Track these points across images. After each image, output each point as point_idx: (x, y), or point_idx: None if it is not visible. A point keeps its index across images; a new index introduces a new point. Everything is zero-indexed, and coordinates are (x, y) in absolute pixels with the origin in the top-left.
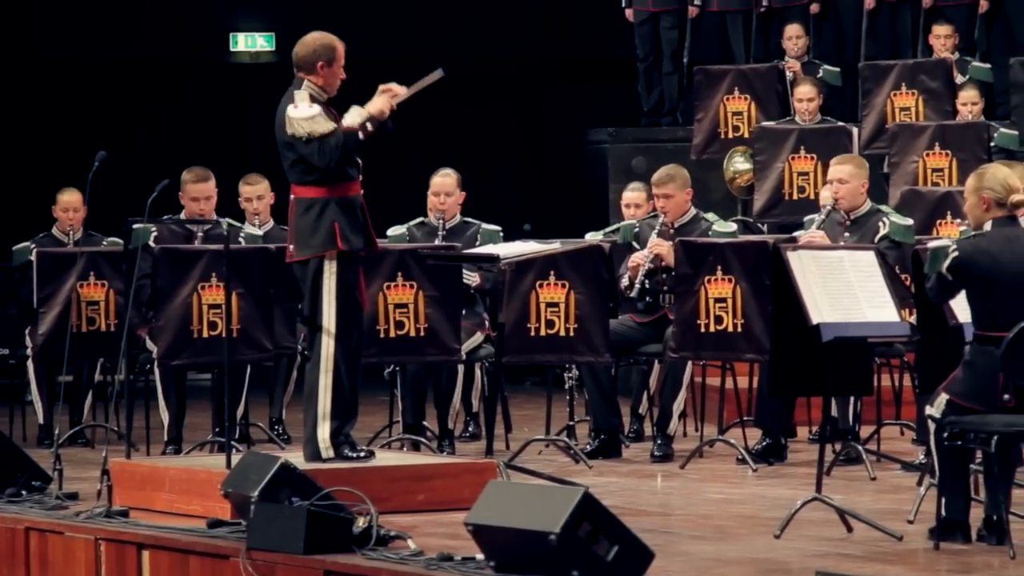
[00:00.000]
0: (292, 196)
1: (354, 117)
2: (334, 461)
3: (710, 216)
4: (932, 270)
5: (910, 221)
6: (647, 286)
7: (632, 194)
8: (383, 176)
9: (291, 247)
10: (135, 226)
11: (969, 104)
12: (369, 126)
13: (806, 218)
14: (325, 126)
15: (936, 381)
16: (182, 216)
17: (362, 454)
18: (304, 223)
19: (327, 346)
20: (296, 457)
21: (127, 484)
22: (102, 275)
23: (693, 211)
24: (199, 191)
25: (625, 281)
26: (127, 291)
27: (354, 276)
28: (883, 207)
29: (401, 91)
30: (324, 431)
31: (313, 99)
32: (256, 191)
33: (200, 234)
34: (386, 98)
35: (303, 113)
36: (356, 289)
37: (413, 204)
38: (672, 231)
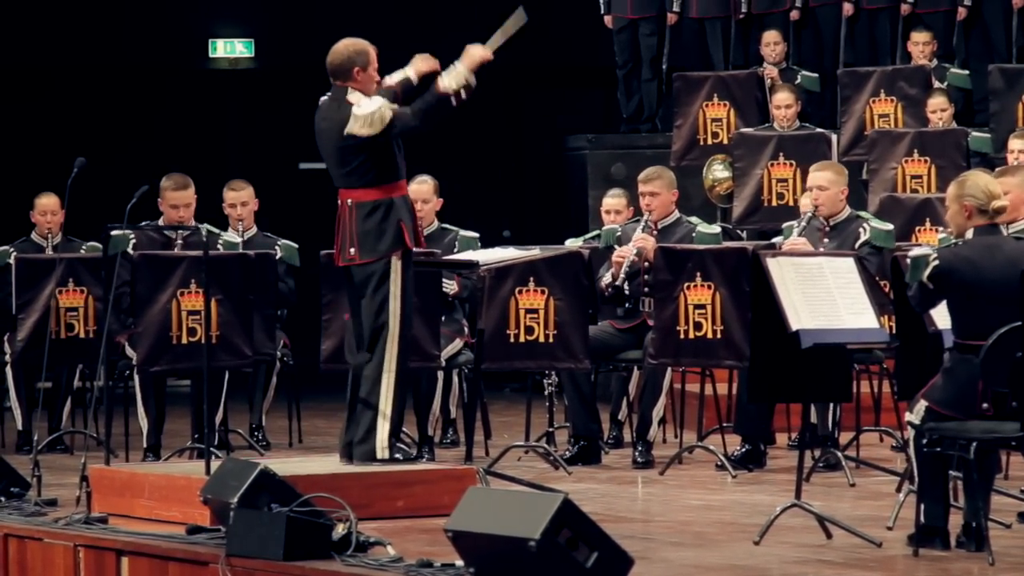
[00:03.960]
0: (348, 200)
1: (450, 81)
2: (388, 463)
3: (693, 219)
4: (913, 279)
5: (890, 226)
6: (627, 291)
7: (612, 200)
8: None
9: (352, 250)
10: (113, 232)
11: (938, 111)
12: (463, 93)
13: (784, 225)
14: (389, 111)
15: (915, 388)
16: (161, 222)
17: (411, 455)
18: (369, 225)
19: (391, 347)
20: (284, 463)
21: (106, 490)
22: (81, 281)
23: (677, 213)
24: (178, 198)
25: (608, 278)
26: (106, 297)
27: (412, 274)
28: (862, 213)
29: (488, 52)
30: (384, 432)
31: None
32: (240, 197)
33: (179, 240)
34: (476, 59)
35: (369, 107)
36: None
37: None
38: (656, 232)
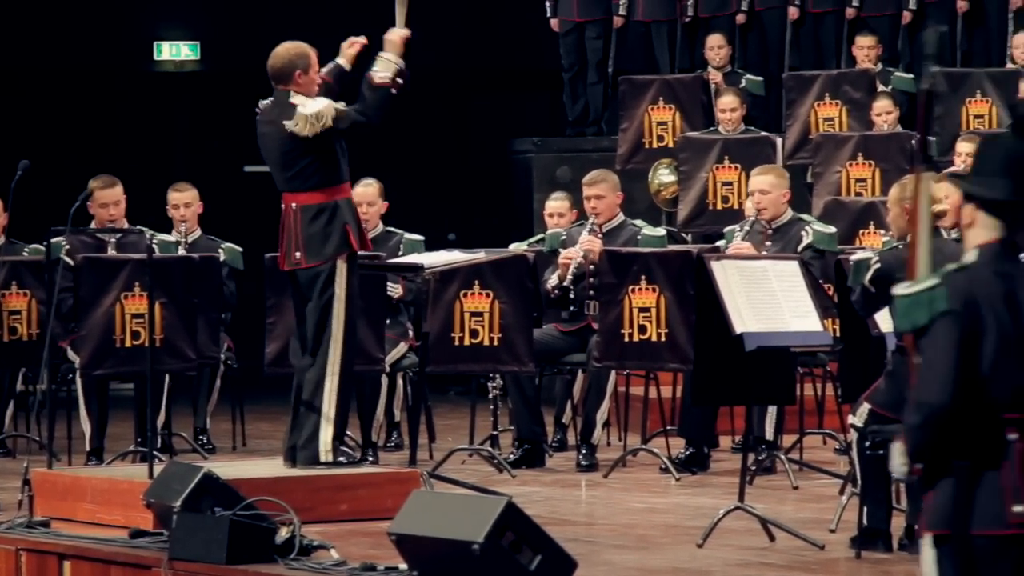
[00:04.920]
0: (293, 204)
1: (383, 70)
2: (332, 467)
3: (638, 222)
4: (856, 282)
5: (832, 229)
6: (572, 295)
7: (555, 203)
8: None
9: (297, 254)
10: (54, 238)
11: (884, 114)
12: (399, 79)
13: (726, 229)
14: (337, 108)
15: (859, 391)
16: (93, 225)
17: (355, 459)
18: (315, 229)
19: (335, 351)
20: (228, 467)
21: (48, 494)
22: (24, 284)
23: (622, 216)
24: (107, 196)
25: (554, 280)
26: (49, 300)
27: (358, 278)
28: (805, 216)
29: (402, 32)
30: (327, 435)
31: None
32: (184, 198)
33: (112, 242)
34: (397, 42)
35: (316, 106)
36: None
37: None
38: (601, 235)
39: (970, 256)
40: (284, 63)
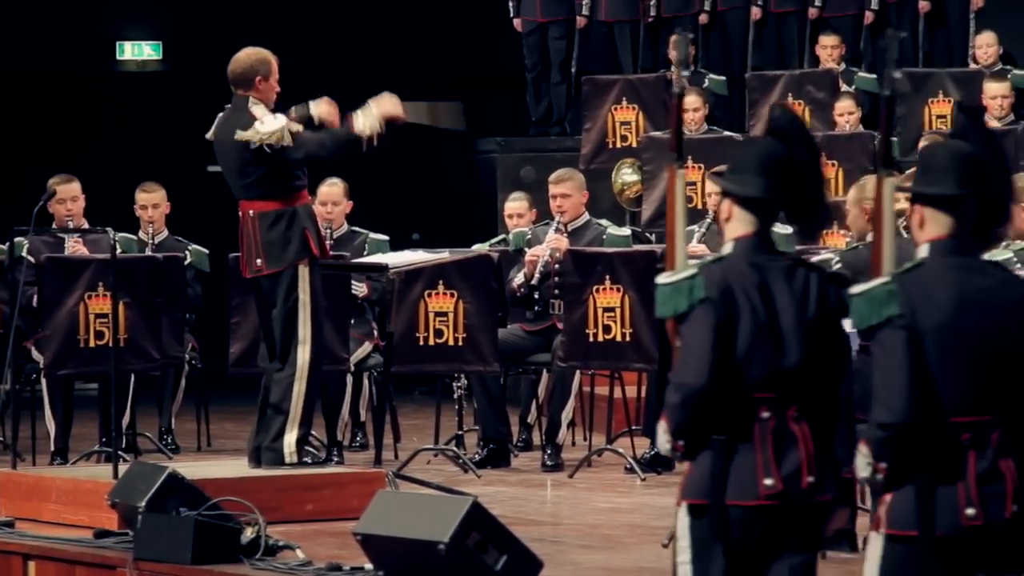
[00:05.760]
0: (250, 211)
1: (364, 125)
2: (296, 467)
3: (603, 222)
4: None
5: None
6: (536, 296)
7: (514, 204)
8: None
9: (258, 261)
10: (16, 238)
11: (846, 114)
12: (374, 140)
13: (687, 228)
14: (297, 126)
15: None
16: (53, 225)
17: (318, 459)
18: (274, 235)
19: (303, 354)
20: (193, 467)
21: (13, 494)
22: None
23: (587, 216)
24: (65, 191)
25: (520, 278)
26: (12, 300)
27: (320, 281)
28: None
29: (397, 111)
30: (292, 437)
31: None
32: (152, 199)
33: (72, 242)
34: (392, 113)
35: (273, 126)
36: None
37: None
38: (567, 234)
39: (727, 248)
40: (245, 68)
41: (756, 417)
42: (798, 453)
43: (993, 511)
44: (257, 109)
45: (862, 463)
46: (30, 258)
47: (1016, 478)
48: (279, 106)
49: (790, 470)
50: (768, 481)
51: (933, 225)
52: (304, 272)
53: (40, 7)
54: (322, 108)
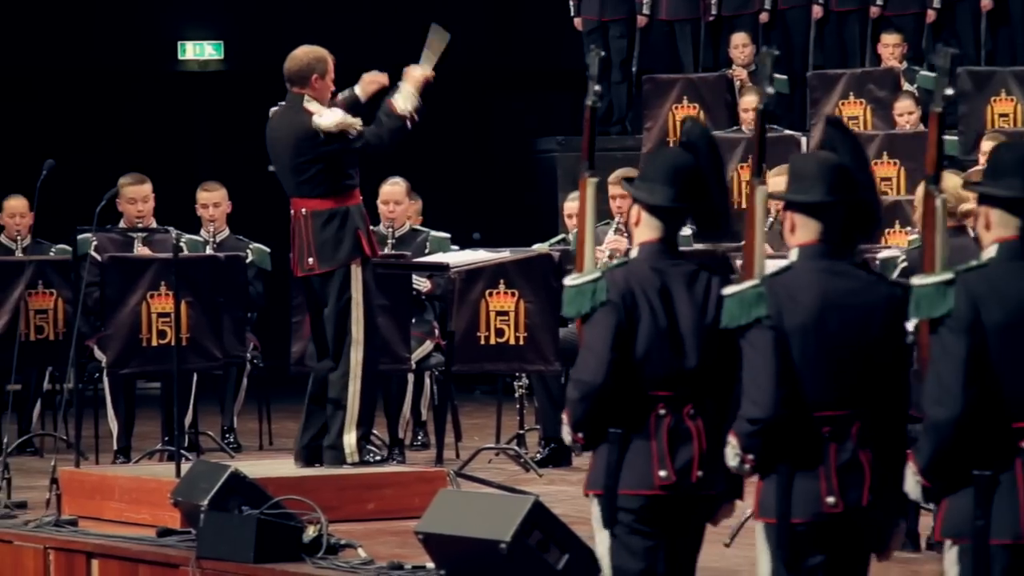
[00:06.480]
0: (303, 210)
1: (405, 102)
2: (358, 466)
3: None
4: None
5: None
6: None
7: (573, 203)
8: None
9: (310, 260)
10: (80, 236)
11: (905, 114)
12: (415, 115)
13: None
14: (355, 120)
15: None
16: (122, 223)
17: (380, 457)
18: (327, 235)
19: (356, 354)
20: (255, 465)
21: (76, 493)
22: (50, 283)
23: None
24: (135, 192)
25: None
26: (75, 299)
27: (373, 280)
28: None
29: (429, 73)
30: (352, 437)
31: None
32: (213, 198)
33: (139, 241)
34: (419, 80)
35: (334, 117)
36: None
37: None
38: (627, 234)
39: (633, 252)
40: (302, 66)
41: (654, 413)
42: (691, 449)
43: (851, 499)
44: (313, 105)
45: (731, 454)
46: (96, 256)
47: (873, 469)
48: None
49: (683, 464)
50: (662, 473)
51: (803, 231)
52: (357, 272)
53: (102, 7)
54: (366, 86)
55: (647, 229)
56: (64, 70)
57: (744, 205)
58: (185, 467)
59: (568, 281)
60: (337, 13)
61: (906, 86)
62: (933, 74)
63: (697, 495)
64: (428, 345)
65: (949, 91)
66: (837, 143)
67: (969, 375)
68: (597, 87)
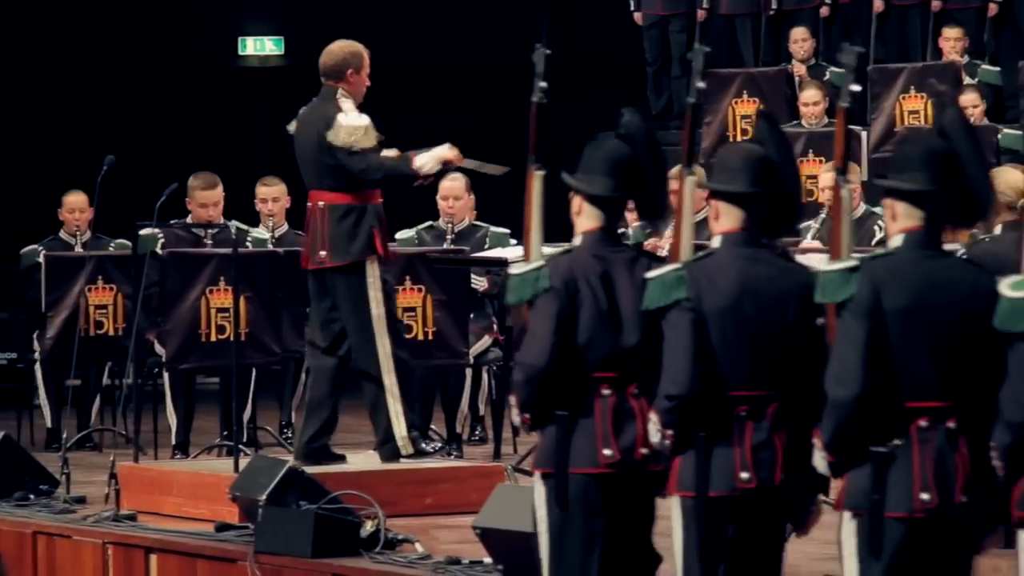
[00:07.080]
0: (320, 203)
1: (423, 163)
2: (415, 457)
3: None
4: None
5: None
6: None
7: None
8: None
9: (322, 253)
10: (142, 232)
11: (970, 107)
12: (424, 182)
13: (802, 225)
14: (368, 141)
15: None
16: (189, 220)
17: (435, 448)
18: (341, 229)
19: (384, 347)
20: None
21: (135, 488)
22: (110, 279)
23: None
24: (207, 197)
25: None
26: (135, 295)
27: (389, 281)
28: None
29: (461, 160)
30: (401, 429)
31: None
32: (272, 192)
33: (208, 239)
34: (448, 156)
35: (356, 121)
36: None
37: (423, 208)
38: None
39: (575, 241)
40: (338, 60)
41: (598, 394)
42: (635, 427)
43: (764, 476)
44: (345, 103)
45: (652, 430)
46: (161, 253)
47: (786, 450)
48: (368, 100)
49: (627, 443)
50: (607, 451)
51: (726, 218)
52: (373, 269)
53: (162, 3)
54: (441, 156)
55: (588, 218)
56: (125, 66)
57: (804, 199)
58: (243, 462)
59: (513, 270)
60: (398, 9)
61: (967, 80)
62: (995, 68)
63: (641, 471)
64: (486, 340)
65: (855, 87)
66: (764, 137)
67: (868, 357)
68: (543, 83)
